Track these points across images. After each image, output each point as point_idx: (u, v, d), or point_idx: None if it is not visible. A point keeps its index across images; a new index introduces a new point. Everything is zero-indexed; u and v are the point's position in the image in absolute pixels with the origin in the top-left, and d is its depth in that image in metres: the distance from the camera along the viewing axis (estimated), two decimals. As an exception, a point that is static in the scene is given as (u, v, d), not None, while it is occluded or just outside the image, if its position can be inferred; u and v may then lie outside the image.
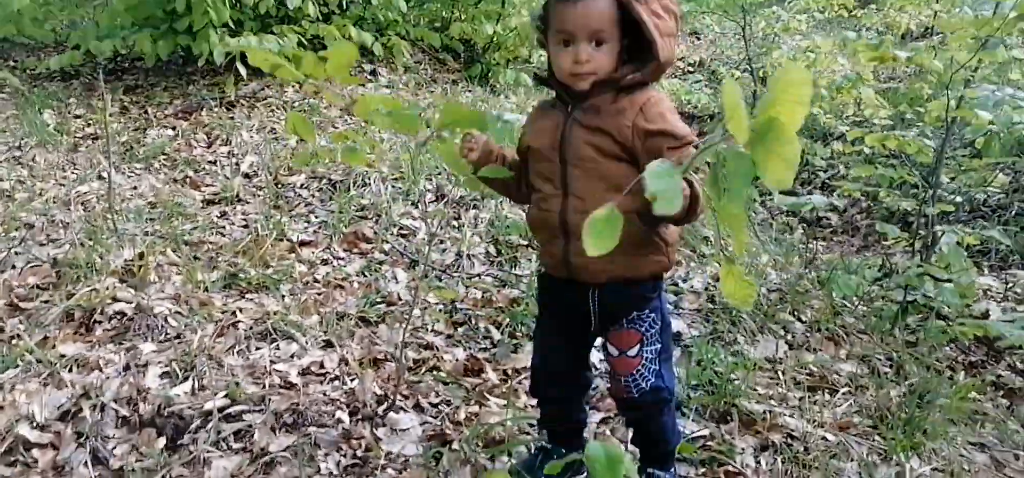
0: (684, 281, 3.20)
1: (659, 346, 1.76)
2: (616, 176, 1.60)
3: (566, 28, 1.60)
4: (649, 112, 1.58)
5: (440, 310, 2.84)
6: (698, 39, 9.96)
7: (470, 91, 6.71)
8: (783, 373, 2.56)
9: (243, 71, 5.65)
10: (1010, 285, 3.79)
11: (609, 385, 1.84)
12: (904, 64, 6.06)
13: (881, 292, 3.30)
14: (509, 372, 2.48)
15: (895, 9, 6.83)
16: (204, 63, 5.67)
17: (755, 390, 2.43)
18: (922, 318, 3.21)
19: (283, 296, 2.86)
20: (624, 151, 1.60)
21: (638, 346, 1.74)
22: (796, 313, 2.97)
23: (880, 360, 2.75)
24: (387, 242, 3.40)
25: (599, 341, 1.84)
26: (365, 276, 3.13)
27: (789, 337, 2.83)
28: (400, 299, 2.93)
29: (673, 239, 1.71)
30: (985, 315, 3.41)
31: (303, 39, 6.18)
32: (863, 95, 5.01)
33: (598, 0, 1.58)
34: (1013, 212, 4.55)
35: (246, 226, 3.55)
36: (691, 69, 8.84)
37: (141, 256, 2.93)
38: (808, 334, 2.86)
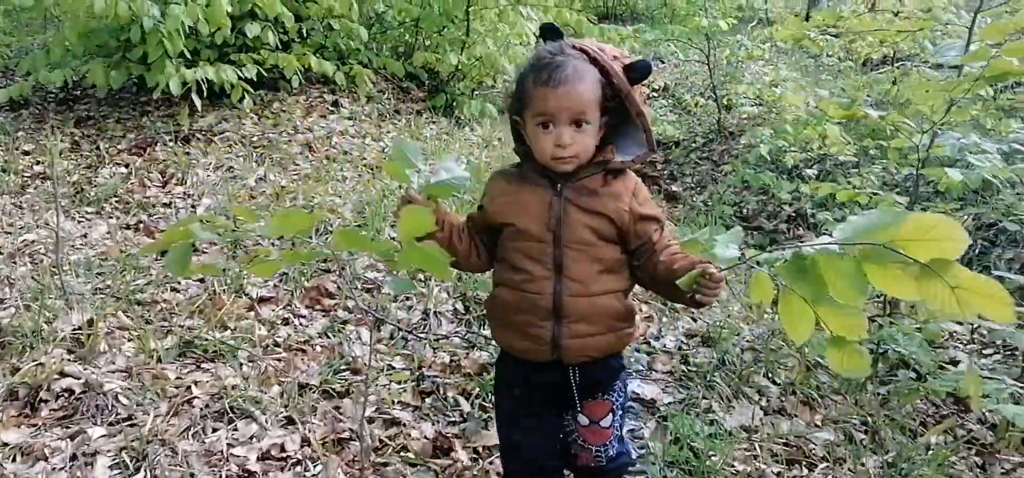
0: (656, 340, 3.14)
1: (622, 413, 1.84)
2: (609, 259, 1.65)
3: (547, 110, 1.58)
4: (640, 196, 1.66)
5: (408, 376, 2.74)
6: (662, 63, 9.98)
7: (434, 122, 6.62)
8: (760, 445, 2.50)
9: (198, 103, 5.50)
10: (976, 327, 3.79)
11: (575, 455, 1.85)
12: (866, 90, 6.07)
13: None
14: (480, 450, 2.38)
15: (856, 38, 6.87)
16: (159, 94, 5.51)
17: (732, 467, 2.37)
18: (892, 369, 3.19)
19: (241, 364, 2.74)
20: (618, 234, 1.64)
21: (610, 416, 1.80)
22: (771, 375, 2.92)
23: (855, 425, 2.71)
24: (351, 298, 3.29)
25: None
26: (329, 338, 3.02)
27: (764, 402, 2.78)
28: (366, 365, 2.83)
29: (635, 310, 1.77)
30: (953, 363, 3.40)
31: (262, 69, 6.05)
32: (828, 132, 5.02)
33: (581, 82, 1.57)
34: (976, 252, 4.57)
35: (202, 280, 3.41)
36: (655, 94, 8.83)
37: (91, 322, 2.79)
38: (783, 397, 2.81)
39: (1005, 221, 4.34)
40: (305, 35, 6.68)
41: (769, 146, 5.64)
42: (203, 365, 2.72)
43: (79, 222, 4.10)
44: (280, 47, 6.27)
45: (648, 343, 3.10)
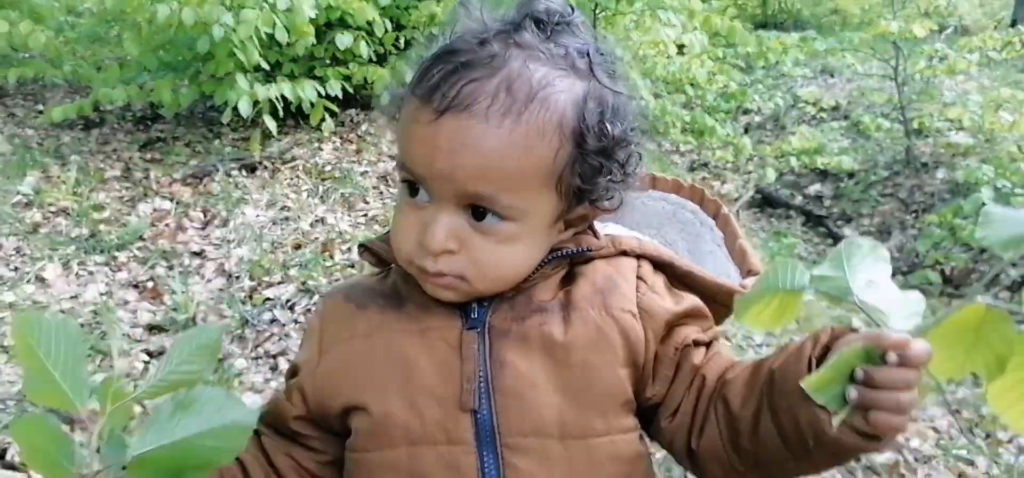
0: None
1: None
2: (623, 456, 0.79)
3: (412, 160, 0.77)
4: (655, 283, 0.85)
5: None
6: (831, 77, 8.47)
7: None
8: None
9: (273, 125, 4.66)
10: None
11: None
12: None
13: None
14: None
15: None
16: (228, 115, 4.72)
17: None
18: None
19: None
20: (630, 376, 0.80)
21: None
22: None
23: None
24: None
25: None
26: None
27: None
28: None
29: None
30: None
31: (348, 85, 5.17)
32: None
33: (493, 125, 0.73)
34: None
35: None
36: (824, 114, 7.41)
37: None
38: None
39: None
40: (404, 45, 5.76)
41: (989, 186, 4.19)
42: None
43: (78, 276, 3.27)
44: (374, 59, 5.39)
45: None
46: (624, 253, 0.85)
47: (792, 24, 11.05)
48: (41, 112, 5.89)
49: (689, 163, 7.28)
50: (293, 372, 0.85)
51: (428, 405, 0.78)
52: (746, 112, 8.17)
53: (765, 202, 6.57)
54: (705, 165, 7.14)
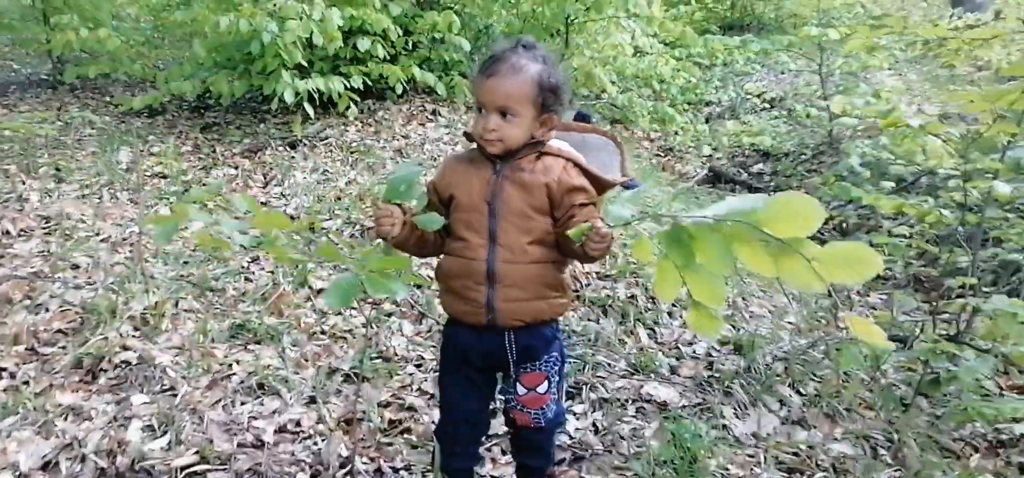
0: (688, 345, 3.14)
1: (559, 379, 2.01)
2: (539, 230, 1.85)
3: (480, 98, 1.82)
4: (571, 171, 1.87)
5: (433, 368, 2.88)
6: (783, 74, 9.71)
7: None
8: (766, 452, 2.48)
9: (310, 111, 5.89)
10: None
11: (513, 416, 2.02)
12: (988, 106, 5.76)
13: (903, 363, 3.13)
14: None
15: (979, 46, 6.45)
16: (276, 104, 5.95)
17: (728, 470, 2.37)
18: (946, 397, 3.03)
19: (284, 349, 2.97)
20: (549, 206, 1.85)
21: (546, 383, 1.96)
22: (797, 385, 2.87)
23: (879, 441, 2.62)
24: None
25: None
26: (371, 328, 3.21)
27: (785, 412, 2.74)
28: (396, 355, 3.00)
29: (569, 284, 1.95)
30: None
31: (367, 80, 6.40)
32: (928, 145, 4.79)
33: (511, 77, 1.78)
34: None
35: (274, 271, 3.70)
36: (767, 106, 8.62)
37: (156, 305, 3.10)
38: (805, 408, 2.76)
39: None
40: (412, 48, 6.99)
41: (860, 157, 5.43)
42: (250, 346, 2.97)
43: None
44: (388, 59, 6.61)
45: (678, 349, 3.11)
46: (562, 156, 1.95)
47: (756, 27, 12.26)
48: (108, 103, 7.14)
49: (657, 148, 8.48)
50: (429, 184, 1.96)
51: (475, 198, 1.82)
52: (708, 104, 9.38)
53: (716, 178, 7.79)
54: (670, 150, 8.33)
